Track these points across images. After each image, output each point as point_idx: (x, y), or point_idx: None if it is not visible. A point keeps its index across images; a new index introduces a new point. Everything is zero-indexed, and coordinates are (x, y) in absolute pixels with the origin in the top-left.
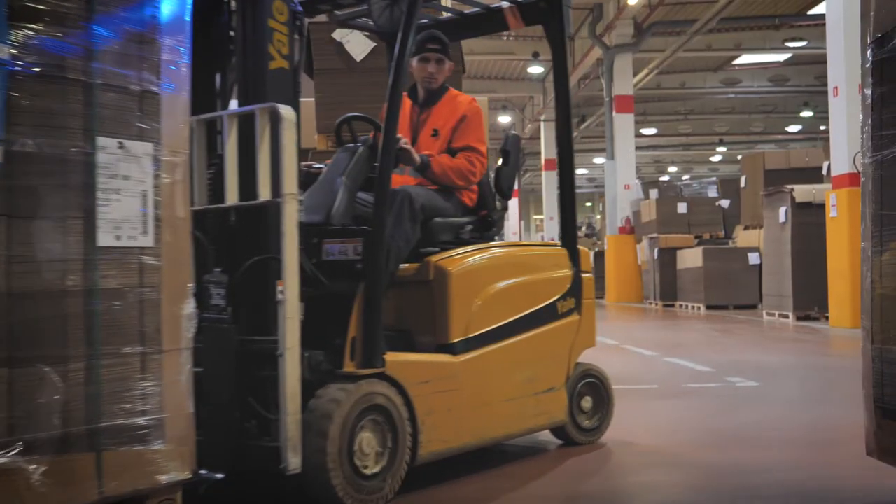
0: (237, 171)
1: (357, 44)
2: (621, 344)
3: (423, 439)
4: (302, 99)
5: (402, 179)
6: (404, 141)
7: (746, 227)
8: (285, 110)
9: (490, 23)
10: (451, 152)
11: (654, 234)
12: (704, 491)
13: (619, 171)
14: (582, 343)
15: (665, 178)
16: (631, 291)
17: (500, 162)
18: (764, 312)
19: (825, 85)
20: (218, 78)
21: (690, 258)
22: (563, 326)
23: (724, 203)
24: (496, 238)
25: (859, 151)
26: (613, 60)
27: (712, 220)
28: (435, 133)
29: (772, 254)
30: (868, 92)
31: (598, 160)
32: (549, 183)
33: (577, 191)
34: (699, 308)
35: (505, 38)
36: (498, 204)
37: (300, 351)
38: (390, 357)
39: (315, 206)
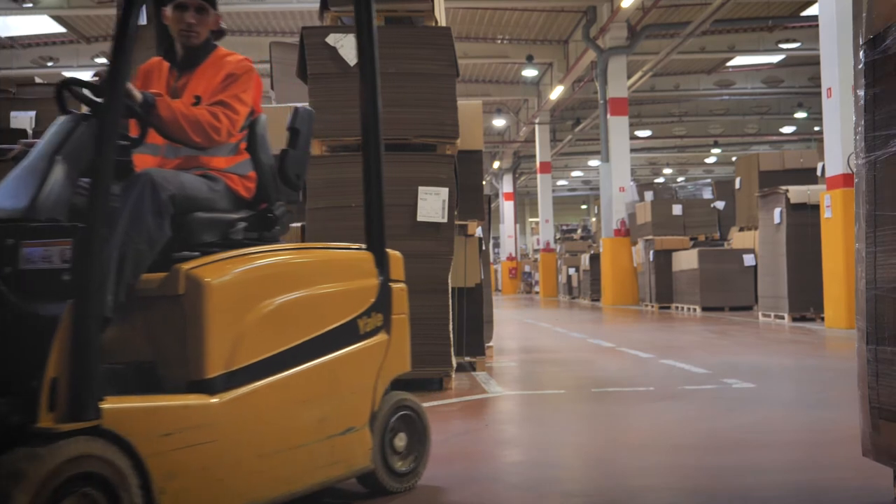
0: None
1: (351, 48)
2: (617, 346)
3: None
4: (296, 104)
5: (154, 161)
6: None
7: (741, 229)
8: None
9: None
10: None
11: (650, 237)
12: (700, 492)
13: (613, 173)
14: (392, 368)
15: (660, 180)
16: (627, 294)
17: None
18: (760, 314)
19: (819, 86)
20: None
21: (686, 260)
22: (367, 349)
23: (719, 205)
24: (280, 239)
25: (853, 152)
26: (607, 63)
27: (707, 221)
28: (197, 101)
29: (767, 255)
30: (861, 93)
31: (593, 163)
32: (543, 185)
33: (573, 193)
34: (695, 310)
35: (499, 41)
36: (284, 196)
37: None
38: (111, 404)
39: (16, 194)
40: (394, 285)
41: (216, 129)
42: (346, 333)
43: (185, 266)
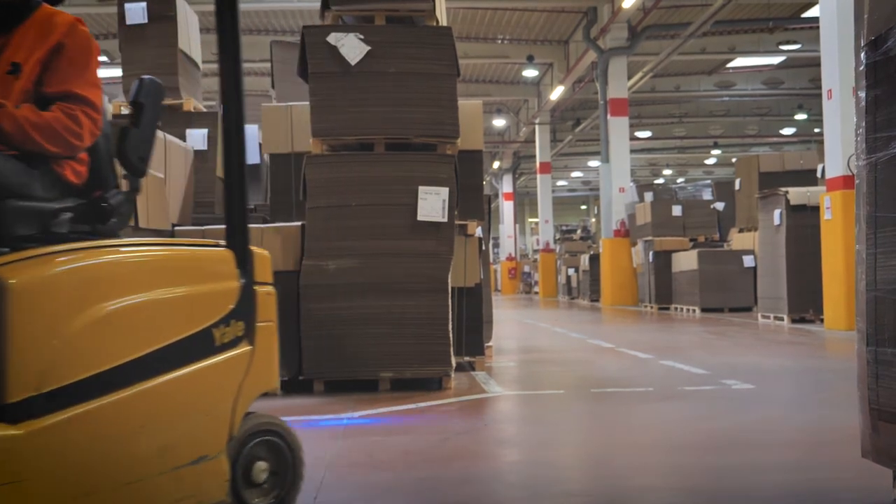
0: None
1: (352, 47)
2: (617, 347)
3: None
4: (297, 103)
5: None
6: None
7: (741, 230)
8: None
9: None
10: (43, 100)
11: (649, 237)
12: (700, 492)
13: (613, 174)
14: (256, 385)
15: (660, 180)
16: (626, 294)
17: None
18: (759, 315)
19: (819, 87)
20: None
21: (685, 261)
22: (224, 364)
23: (719, 206)
24: (120, 233)
25: (853, 154)
26: (608, 64)
27: (707, 222)
28: (14, 69)
29: (767, 256)
30: (862, 94)
31: (593, 163)
32: (543, 186)
33: (573, 194)
34: (694, 311)
35: (500, 41)
36: (123, 183)
37: None
38: None
39: None
40: (259, 288)
41: (77, 134)
42: (198, 345)
43: None
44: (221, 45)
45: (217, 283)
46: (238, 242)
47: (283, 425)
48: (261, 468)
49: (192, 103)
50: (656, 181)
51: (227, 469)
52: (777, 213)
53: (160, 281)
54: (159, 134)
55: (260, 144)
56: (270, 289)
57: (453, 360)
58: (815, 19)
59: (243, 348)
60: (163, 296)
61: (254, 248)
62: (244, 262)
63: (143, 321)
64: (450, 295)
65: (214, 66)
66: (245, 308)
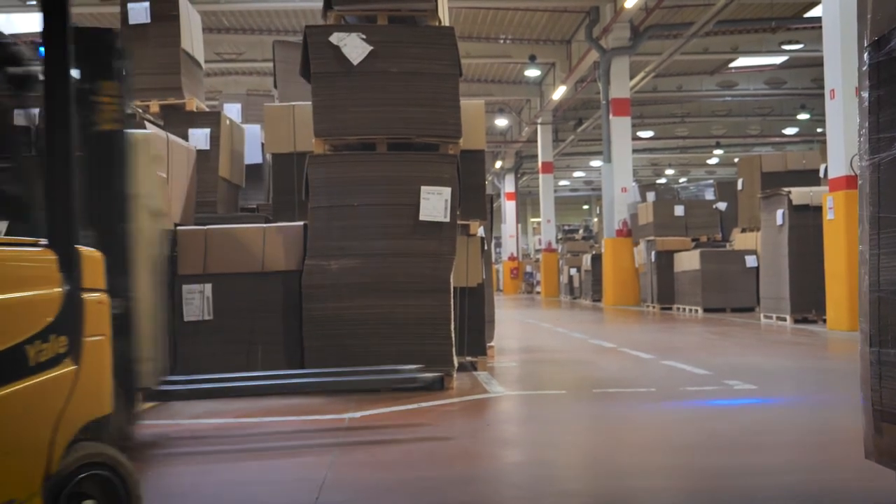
0: None
1: (354, 47)
2: (618, 347)
3: None
4: (299, 102)
5: None
6: None
7: (744, 230)
8: None
9: None
10: None
11: (652, 237)
12: (701, 493)
13: (615, 173)
14: (82, 411)
15: (662, 180)
16: (628, 294)
17: None
18: (761, 315)
19: (822, 88)
20: None
21: (688, 261)
22: (40, 387)
23: (722, 206)
24: None
25: (856, 154)
26: (610, 63)
27: (709, 222)
28: None
29: (769, 256)
30: (865, 94)
31: (595, 163)
32: (545, 185)
33: (575, 193)
34: (696, 311)
35: (502, 41)
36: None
37: None
38: None
39: None
40: (88, 296)
41: None
42: (5, 366)
43: None
44: (45, 31)
45: (32, 290)
46: (61, 241)
47: (116, 456)
48: None
49: (194, 103)
50: (658, 181)
51: None
52: (780, 213)
53: None
54: (161, 133)
55: (262, 144)
56: (102, 296)
57: (455, 360)
58: (818, 19)
59: (66, 368)
60: None
61: (82, 249)
62: (69, 264)
63: None
64: (452, 295)
65: (217, 66)
66: (68, 320)
